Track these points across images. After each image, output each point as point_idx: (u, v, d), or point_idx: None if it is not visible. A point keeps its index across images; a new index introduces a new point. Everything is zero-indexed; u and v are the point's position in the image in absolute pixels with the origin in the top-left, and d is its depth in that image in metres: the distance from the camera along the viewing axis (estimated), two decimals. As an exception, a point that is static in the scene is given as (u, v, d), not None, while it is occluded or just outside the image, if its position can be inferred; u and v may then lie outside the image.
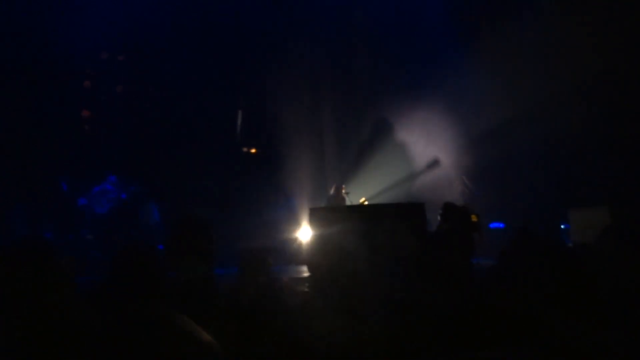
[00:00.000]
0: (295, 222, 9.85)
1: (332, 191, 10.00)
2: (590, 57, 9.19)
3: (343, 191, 9.81)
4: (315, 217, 4.06)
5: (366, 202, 9.62)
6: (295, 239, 9.20)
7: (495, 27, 10.22)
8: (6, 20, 9.66)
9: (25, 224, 9.20)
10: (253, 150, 11.93)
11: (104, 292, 2.21)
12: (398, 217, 4.04)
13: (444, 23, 10.87)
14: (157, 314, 0.56)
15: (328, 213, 4.49)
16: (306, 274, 3.71)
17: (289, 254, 8.57)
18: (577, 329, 1.75)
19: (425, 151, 11.36)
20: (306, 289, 3.07)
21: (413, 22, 11.23)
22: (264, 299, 2.64)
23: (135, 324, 0.54)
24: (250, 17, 11.24)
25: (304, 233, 8.84)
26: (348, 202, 9.58)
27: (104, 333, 0.52)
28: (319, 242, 3.65)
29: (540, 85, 9.86)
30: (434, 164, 11.19)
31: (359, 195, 9.98)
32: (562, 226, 8.50)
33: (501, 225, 10.11)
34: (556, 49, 9.84)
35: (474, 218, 4.11)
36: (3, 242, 8.20)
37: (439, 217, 4.36)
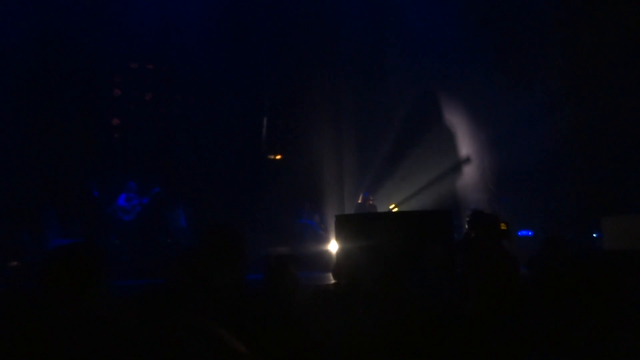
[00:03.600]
0: (323, 230, 9.87)
1: (360, 200, 10.01)
2: (623, 59, 9.00)
3: (370, 202, 9.82)
4: (341, 225, 4.05)
5: (396, 209, 9.59)
6: (324, 246, 9.21)
7: (522, 30, 10.10)
8: (41, 33, 9.94)
9: (56, 229, 9.39)
10: (279, 157, 11.99)
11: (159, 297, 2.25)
12: (424, 224, 4.00)
13: (469, 26, 10.74)
14: (193, 325, 0.56)
15: (353, 220, 4.47)
16: (333, 281, 3.70)
17: (317, 261, 8.56)
18: (606, 335, 1.70)
19: (452, 156, 11.23)
20: (331, 295, 3.05)
21: (435, 26, 11.12)
22: (289, 307, 2.64)
23: (170, 335, 0.54)
24: (273, 26, 11.33)
25: (332, 240, 8.85)
26: (377, 210, 9.58)
27: (137, 341, 0.52)
28: (345, 250, 3.64)
29: (573, 91, 9.68)
30: (466, 161, 11.02)
31: (388, 202, 9.94)
32: (594, 235, 8.28)
33: (530, 233, 9.92)
34: (588, 51, 9.65)
35: (502, 226, 4.03)
36: (35, 246, 8.43)
37: (466, 225, 4.29)
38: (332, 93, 11.44)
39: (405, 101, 11.30)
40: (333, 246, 8.29)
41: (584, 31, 9.53)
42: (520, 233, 9.76)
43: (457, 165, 11.12)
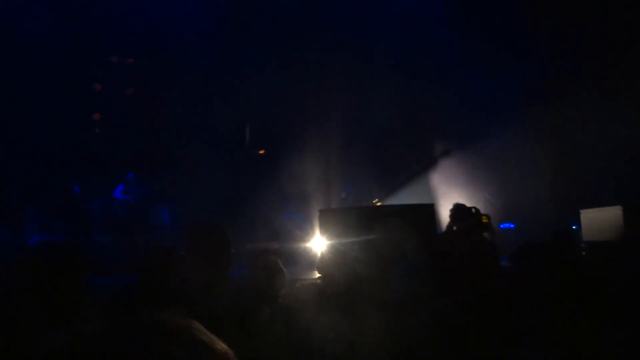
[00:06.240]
0: (307, 224, 9.86)
1: (343, 194, 10.03)
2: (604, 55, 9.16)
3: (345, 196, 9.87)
4: (325, 219, 4.06)
5: (379, 204, 9.64)
6: (308, 241, 9.21)
7: (497, 24, 10.23)
8: (22, 27, 9.77)
9: (37, 227, 9.27)
10: (262, 152, 11.95)
11: (127, 296, 2.25)
12: (407, 218, 4.02)
13: (452, 29, 10.82)
14: (168, 322, 0.54)
15: (337, 215, 4.48)
16: (317, 275, 3.72)
17: (303, 256, 8.57)
18: (585, 329, 1.74)
19: (434, 152, 11.32)
20: (315, 291, 3.07)
21: (421, 26, 11.17)
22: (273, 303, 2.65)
23: (145, 332, 0.53)
24: (261, 24, 11.29)
25: (316, 235, 8.84)
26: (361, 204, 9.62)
27: (116, 340, 0.52)
28: (328, 244, 3.65)
29: (555, 85, 9.82)
30: (445, 153, 11.12)
31: (372, 197, 9.98)
32: (572, 227, 8.43)
33: (511, 226, 10.04)
34: (570, 48, 9.79)
35: (484, 219, 4.08)
36: (17, 245, 8.30)
37: (449, 218, 4.34)
38: (318, 90, 11.43)
39: (390, 98, 11.33)
40: (316, 242, 8.31)
41: (559, 29, 9.68)
42: (502, 226, 9.87)
43: (439, 160, 11.20)
